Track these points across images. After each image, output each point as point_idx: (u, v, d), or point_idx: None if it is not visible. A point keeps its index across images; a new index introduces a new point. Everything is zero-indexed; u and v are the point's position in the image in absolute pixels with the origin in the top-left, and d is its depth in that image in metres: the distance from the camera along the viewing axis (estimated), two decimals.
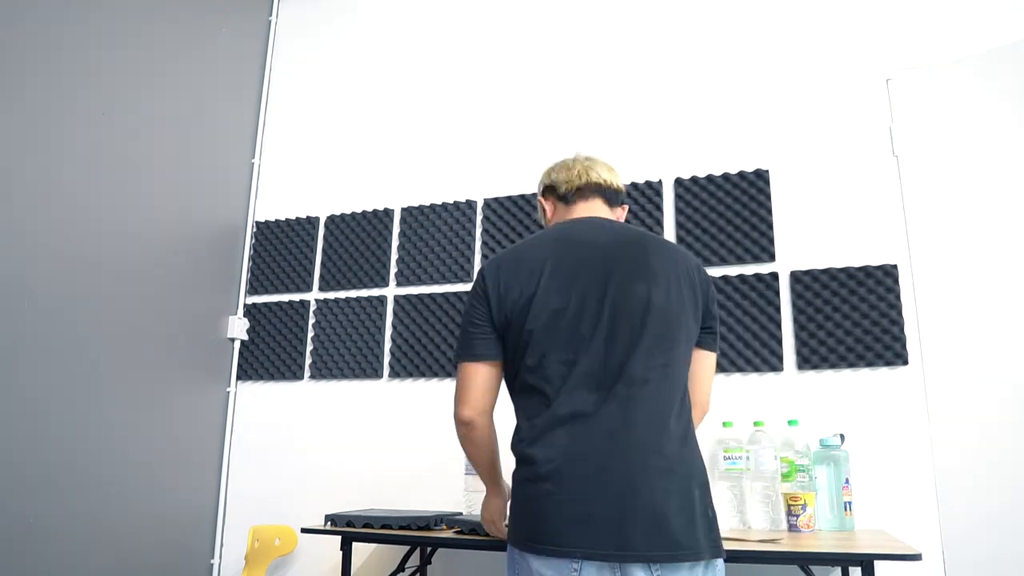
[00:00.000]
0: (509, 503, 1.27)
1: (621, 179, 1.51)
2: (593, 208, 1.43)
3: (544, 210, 1.50)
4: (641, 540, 1.10)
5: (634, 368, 1.19)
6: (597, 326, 1.22)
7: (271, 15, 3.09)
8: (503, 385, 1.34)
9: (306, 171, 2.86)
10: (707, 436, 2.09)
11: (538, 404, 1.23)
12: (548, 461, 1.17)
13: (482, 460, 1.41)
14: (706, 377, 1.39)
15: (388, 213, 2.66)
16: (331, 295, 2.66)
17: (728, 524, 1.90)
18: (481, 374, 1.31)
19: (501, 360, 1.32)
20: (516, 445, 1.25)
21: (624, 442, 1.15)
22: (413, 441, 2.42)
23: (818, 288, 2.09)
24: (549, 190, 1.49)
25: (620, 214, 1.48)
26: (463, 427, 1.34)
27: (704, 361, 1.37)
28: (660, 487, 1.13)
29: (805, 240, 2.14)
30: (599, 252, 1.29)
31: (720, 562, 1.17)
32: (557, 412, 1.20)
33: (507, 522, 1.29)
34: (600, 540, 1.10)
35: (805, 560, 1.53)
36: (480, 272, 1.36)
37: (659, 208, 2.31)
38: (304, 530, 1.86)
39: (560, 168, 1.48)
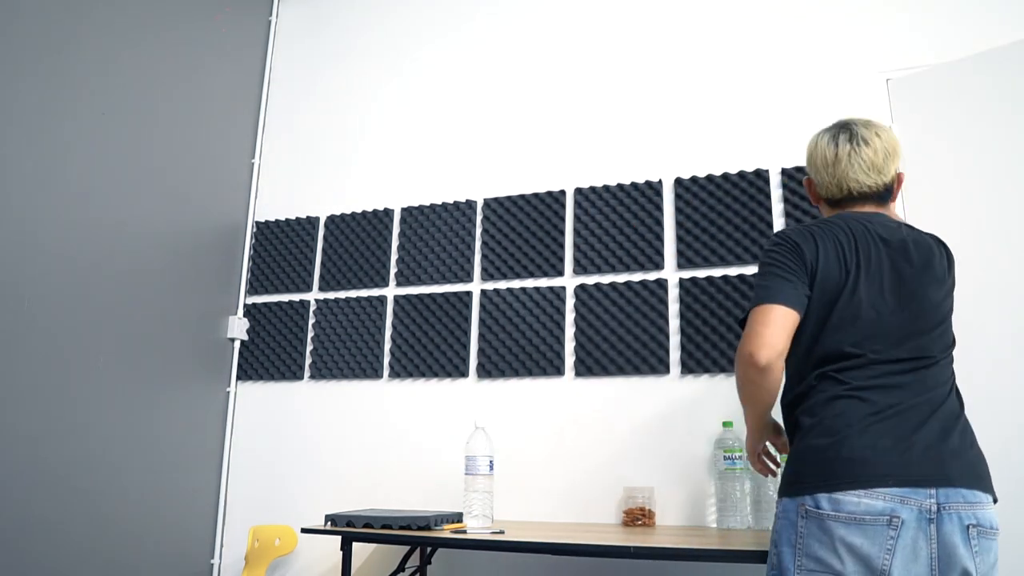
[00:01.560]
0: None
1: (893, 165, 1.41)
2: (864, 207, 1.42)
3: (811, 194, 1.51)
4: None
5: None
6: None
7: (271, 15, 3.09)
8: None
9: (306, 171, 2.86)
10: (707, 436, 2.09)
11: None
12: None
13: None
14: None
15: (388, 213, 2.66)
16: (331, 295, 2.66)
17: (727, 524, 1.91)
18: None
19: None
20: None
21: None
22: (413, 441, 2.42)
23: None
24: (814, 184, 1.48)
25: (892, 204, 1.45)
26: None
27: None
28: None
29: None
30: (905, 274, 1.32)
31: None
32: None
33: None
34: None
35: None
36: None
37: (659, 208, 2.31)
38: (304, 530, 1.86)
39: (821, 163, 1.44)
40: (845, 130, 1.42)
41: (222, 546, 2.58)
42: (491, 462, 1.90)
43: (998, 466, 1.80)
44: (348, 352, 2.56)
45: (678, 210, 2.29)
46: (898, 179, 1.43)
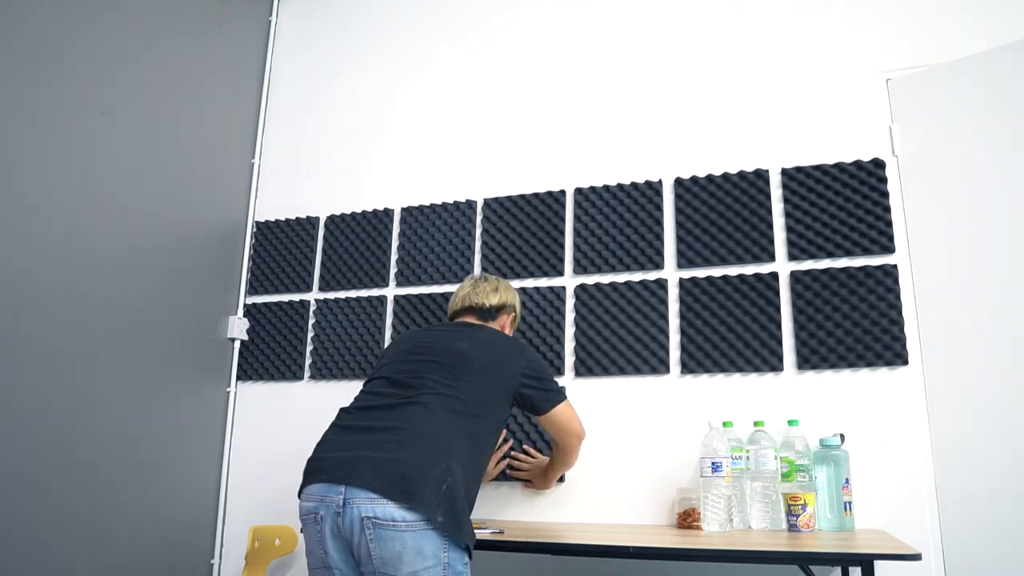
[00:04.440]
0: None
1: (504, 298, 1.96)
2: (464, 321, 1.91)
3: None
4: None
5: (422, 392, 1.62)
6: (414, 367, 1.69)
7: (271, 15, 3.09)
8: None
9: (306, 171, 2.86)
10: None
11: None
12: None
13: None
14: (554, 431, 1.85)
15: (388, 213, 2.66)
16: (331, 295, 2.66)
17: (728, 524, 1.90)
18: None
19: None
20: None
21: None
22: None
23: (818, 288, 2.09)
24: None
25: (498, 325, 1.94)
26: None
27: (546, 421, 1.81)
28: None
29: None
30: (435, 334, 1.80)
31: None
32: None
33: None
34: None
35: (805, 560, 1.53)
36: None
37: (659, 208, 2.31)
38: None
39: (453, 296, 2.00)
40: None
41: (222, 546, 2.58)
42: None
43: (998, 466, 1.80)
44: (348, 352, 2.56)
45: (678, 210, 2.29)
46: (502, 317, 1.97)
